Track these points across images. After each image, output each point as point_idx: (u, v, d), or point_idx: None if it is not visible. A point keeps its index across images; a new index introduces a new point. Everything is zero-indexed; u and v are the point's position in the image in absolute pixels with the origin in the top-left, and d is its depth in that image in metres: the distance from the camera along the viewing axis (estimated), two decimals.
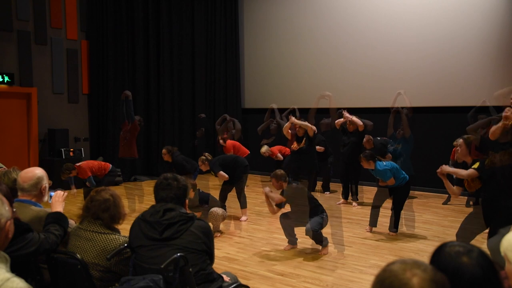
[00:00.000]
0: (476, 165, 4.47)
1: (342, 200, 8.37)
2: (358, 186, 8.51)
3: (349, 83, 10.84)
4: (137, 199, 8.41)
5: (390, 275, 1.32)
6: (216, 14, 12.89)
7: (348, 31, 10.85)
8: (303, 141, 7.53)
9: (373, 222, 6.47)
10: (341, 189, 8.57)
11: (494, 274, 1.59)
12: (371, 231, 6.45)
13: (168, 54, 12.16)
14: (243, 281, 3.66)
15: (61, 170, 7.34)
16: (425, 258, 1.67)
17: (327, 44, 11.24)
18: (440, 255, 1.64)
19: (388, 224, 6.53)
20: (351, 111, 9.76)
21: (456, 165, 6.18)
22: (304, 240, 6.06)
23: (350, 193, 8.41)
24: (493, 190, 4.42)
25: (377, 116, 9.27)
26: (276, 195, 5.48)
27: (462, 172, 4.57)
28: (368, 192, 9.05)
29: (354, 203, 8.25)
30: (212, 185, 9.79)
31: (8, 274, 1.74)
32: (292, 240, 5.71)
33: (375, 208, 6.48)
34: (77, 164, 7.45)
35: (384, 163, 6.19)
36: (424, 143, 9.60)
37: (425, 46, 9.65)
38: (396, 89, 10.06)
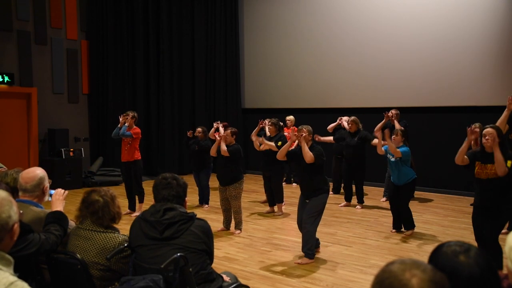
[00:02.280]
0: (509, 164, 4.41)
1: (344, 203, 8.28)
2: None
3: (349, 83, 10.84)
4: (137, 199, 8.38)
5: (390, 276, 1.32)
6: (216, 14, 12.89)
7: (348, 31, 10.85)
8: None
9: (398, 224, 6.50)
10: (343, 190, 8.53)
11: (492, 273, 1.59)
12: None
13: (168, 54, 12.16)
14: (243, 281, 3.66)
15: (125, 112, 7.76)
16: (425, 258, 1.68)
17: (327, 44, 11.24)
18: (438, 254, 1.64)
19: (390, 224, 6.53)
20: (351, 111, 9.79)
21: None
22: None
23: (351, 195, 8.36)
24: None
25: (377, 116, 9.26)
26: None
27: (501, 167, 4.36)
28: (368, 192, 9.06)
29: (358, 206, 8.12)
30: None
31: (12, 278, 1.74)
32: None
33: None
34: (137, 128, 7.88)
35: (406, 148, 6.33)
36: (424, 143, 9.60)
37: (425, 46, 9.65)
38: (396, 89, 10.10)
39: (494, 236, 4.47)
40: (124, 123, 7.58)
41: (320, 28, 11.35)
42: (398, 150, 6.12)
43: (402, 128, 6.67)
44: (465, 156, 4.70)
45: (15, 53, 9.96)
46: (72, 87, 10.93)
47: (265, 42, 12.53)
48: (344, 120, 8.43)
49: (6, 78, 9.71)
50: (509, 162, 4.40)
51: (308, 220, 5.19)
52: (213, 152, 6.81)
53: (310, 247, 5.23)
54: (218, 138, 6.67)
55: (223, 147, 6.47)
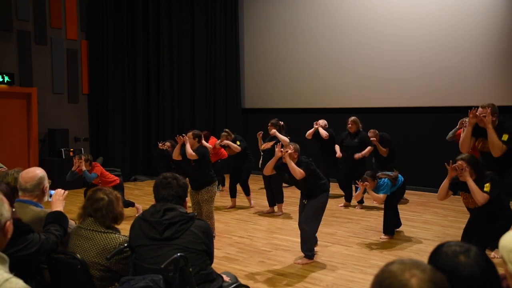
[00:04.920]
0: (487, 188, 4.37)
1: (344, 202, 8.27)
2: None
3: (349, 83, 10.84)
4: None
5: (389, 276, 1.33)
6: (216, 14, 12.89)
7: (349, 31, 10.85)
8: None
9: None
10: (342, 190, 8.51)
11: (492, 273, 1.59)
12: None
13: (168, 54, 12.16)
14: (243, 281, 3.66)
15: (78, 155, 7.15)
16: (425, 258, 1.68)
17: (327, 44, 11.24)
18: (437, 255, 1.65)
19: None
20: (351, 111, 9.78)
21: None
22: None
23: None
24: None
25: (377, 116, 9.28)
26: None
27: (478, 196, 4.36)
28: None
29: (357, 206, 8.09)
30: None
31: (7, 275, 1.74)
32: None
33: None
34: (94, 162, 7.25)
35: (383, 180, 6.02)
36: (424, 143, 9.60)
37: (425, 46, 9.65)
38: (396, 89, 10.11)
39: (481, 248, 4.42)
40: (78, 166, 6.94)
41: (320, 28, 11.35)
42: (380, 196, 5.93)
43: (369, 172, 6.19)
44: (449, 190, 4.67)
45: (15, 53, 9.95)
46: (72, 87, 10.93)
47: (265, 42, 12.53)
48: (320, 125, 8.33)
49: (6, 78, 9.71)
50: (487, 186, 4.38)
51: (306, 220, 5.15)
52: (175, 155, 6.34)
53: (309, 247, 5.20)
54: (179, 140, 6.21)
55: (188, 150, 6.06)
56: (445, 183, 4.63)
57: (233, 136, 8.24)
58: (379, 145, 8.09)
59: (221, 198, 8.80)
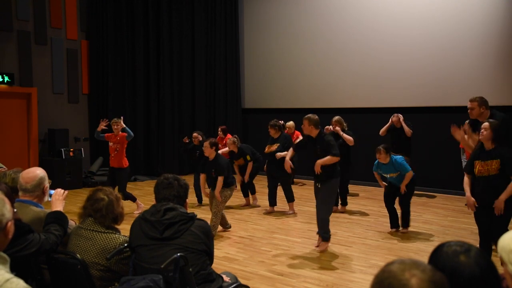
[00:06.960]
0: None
1: (340, 207, 7.83)
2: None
3: (349, 83, 10.84)
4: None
5: (389, 276, 1.32)
6: (216, 14, 12.90)
7: (349, 31, 10.85)
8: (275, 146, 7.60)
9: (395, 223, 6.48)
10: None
11: (493, 273, 1.59)
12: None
13: (168, 54, 12.16)
14: (243, 281, 3.66)
15: (114, 119, 7.89)
16: (425, 258, 1.68)
17: (327, 44, 11.24)
18: (438, 254, 1.65)
19: (389, 224, 6.52)
20: (351, 111, 9.79)
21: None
22: (304, 240, 6.07)
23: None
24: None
25: (377, 116, 9.27)
26: None
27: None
28: (367, 192, 9.04)
29: (340, 207, 7.74)
30: None
31: (8, 275, 1.74)
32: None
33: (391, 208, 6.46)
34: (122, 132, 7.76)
35: (398, 156, 6.25)
36: (424, 143, 9.60)
37: (425, 46, 9.65)
38: (396, 89, 10.11)
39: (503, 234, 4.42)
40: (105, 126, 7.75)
41: (320, 28, 11.35)
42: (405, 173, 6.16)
43: (382, 145, 6.37)
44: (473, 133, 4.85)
45: (15, 53, 9.96)
46: (72, 87, 10.93)
47: (265, 42, 12.53)
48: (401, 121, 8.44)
49: (6, 78, 9.71)
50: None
51: (322, 207, 5.48)
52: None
53: (326, 230, 5.53)
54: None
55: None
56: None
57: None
58: (344, 134, 7.48)
59: None
